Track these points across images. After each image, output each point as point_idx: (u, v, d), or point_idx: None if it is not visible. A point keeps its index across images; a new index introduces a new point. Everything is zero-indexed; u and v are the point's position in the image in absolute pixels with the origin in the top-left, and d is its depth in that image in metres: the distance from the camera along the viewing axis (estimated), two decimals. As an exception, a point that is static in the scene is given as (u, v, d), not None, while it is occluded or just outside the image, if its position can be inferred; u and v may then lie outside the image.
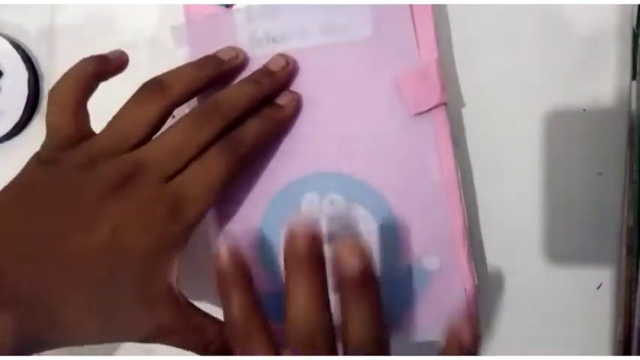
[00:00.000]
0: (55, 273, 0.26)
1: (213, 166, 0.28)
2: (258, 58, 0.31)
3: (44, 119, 0.29)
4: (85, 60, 0.30)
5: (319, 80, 0.31)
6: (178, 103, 0.29)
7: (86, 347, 0.36)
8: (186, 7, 0.33)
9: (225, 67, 0.31)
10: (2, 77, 0.36)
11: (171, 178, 0.28)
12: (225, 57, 0.31)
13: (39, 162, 0.29)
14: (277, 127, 0.31)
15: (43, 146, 0.29)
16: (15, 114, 0.36)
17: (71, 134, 0.29)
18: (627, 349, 0.31)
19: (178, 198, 0.27)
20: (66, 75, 0.29)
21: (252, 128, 0.29)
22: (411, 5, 0.31)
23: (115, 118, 0.29)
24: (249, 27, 0.32)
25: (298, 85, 0.31)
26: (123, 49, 0.31)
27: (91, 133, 0.29)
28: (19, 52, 0.36)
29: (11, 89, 0.36)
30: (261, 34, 0.32)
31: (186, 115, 0.29)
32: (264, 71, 0.31)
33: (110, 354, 0.36)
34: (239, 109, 0.29)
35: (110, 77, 0.30)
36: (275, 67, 0.31)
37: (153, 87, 0.29)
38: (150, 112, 0.28)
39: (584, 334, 0.32)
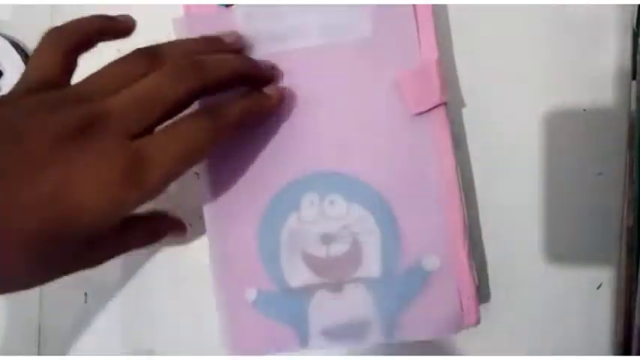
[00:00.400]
0: None
1: (186, 131, 0.26)
2: (258, 58, 0.31)
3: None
4: (91, 15, 0.28)
5: (319, 80, 0.31)
6: None
7: (87, 348, 0.36)
8: (186, 7, 0.33)
9: (225, 49, 0.30)
10: (2, 77, 0.36)
11: (138, 136, 0.25)
12: (226, 40, 0.31)
13: None
14: (260, 110, 0.30)
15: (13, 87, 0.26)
16: (15, 114, 0.36)
17: (47, 77, 0.26)
18: (627, 349, 0.31)
19: (141, 157, 0.25)
20: (69, 21, 0.27)
21: (235, 104, 0.28)
22: (411, 5, 0.31)
23: (96, 73, 0.27)
24: (249, 27, 0.32)
25: (298, 85, 0.31)
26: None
27: (68, 85, 0.27)
28: (19, 52, 0.36)
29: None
30: (261, 34, 0.32)
31: (165, 67, 0.26)
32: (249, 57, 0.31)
33: (110, 354, 0.35)
34: (221, 75, 0.28)
35: (112, 38, 0.29)
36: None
37: (147, 54, 0.27)
38: (134, 72, 0.26)
39: (584, 334, 0.32)
